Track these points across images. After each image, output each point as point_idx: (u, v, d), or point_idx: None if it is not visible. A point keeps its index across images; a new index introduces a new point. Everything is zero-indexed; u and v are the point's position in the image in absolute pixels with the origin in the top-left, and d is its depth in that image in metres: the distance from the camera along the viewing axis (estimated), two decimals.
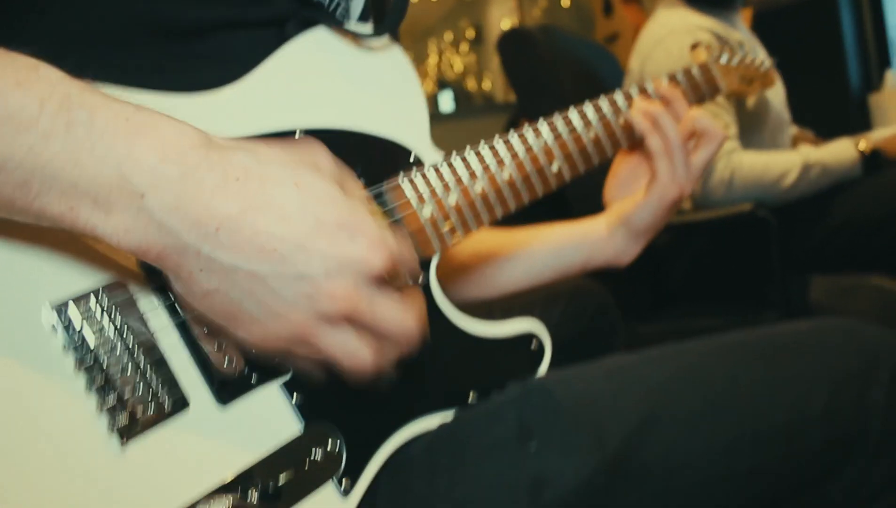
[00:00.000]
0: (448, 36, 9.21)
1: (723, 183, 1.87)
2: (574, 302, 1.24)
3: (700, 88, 1.07)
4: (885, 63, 2.68)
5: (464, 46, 9.04)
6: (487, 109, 7.46)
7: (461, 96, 8.50)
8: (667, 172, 0.94)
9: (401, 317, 0.57)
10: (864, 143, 1.93)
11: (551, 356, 0.81)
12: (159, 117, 0.51)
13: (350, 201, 0.55)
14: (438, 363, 0.74)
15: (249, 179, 0.52)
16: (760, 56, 1.26)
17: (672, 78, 1.03)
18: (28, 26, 0.64)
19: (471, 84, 8.94)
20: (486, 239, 1.09)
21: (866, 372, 0.66)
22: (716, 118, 1.90)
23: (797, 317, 1.81)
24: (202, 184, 0.50)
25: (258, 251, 0.51)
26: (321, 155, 0.59)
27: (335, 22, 0.76)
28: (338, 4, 0.80)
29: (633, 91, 0.97)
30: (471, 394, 0.75)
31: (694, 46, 1.15)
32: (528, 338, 0.80)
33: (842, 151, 1.92)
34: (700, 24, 2.03)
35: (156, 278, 0.59)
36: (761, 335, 0.73)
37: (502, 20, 7.68)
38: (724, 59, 1.14)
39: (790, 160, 1.89)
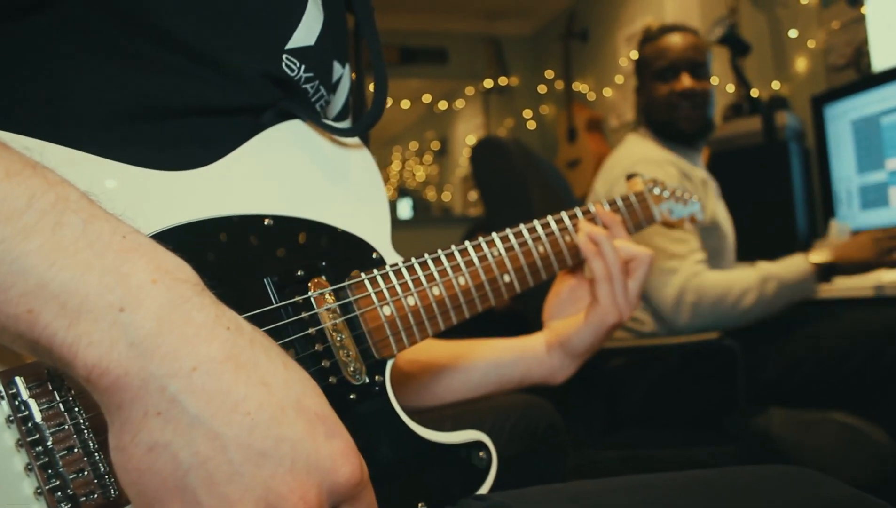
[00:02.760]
0: (413, 145, 9.46)
1: (690, 306, 1.90)
2: (525, 419, 1.22)
3: (637, 215, 1.13)
4: (829, 212, 2.80)
5: (427, 157, 9.27)
6: (444, 220, 7.58)
7: (420, 205, 8.64)
8: (607, 297, 1.00)
9: None
10: (815, 256, 2.00)
11: (499, 474, 0.80)
12: (158, 245, 0.47)
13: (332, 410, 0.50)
14: (389, 464, 0.72)
15: (240, 334, 0.47)
16: (688, 193, 1.32)
17: (612, 203, 1.08)
18: (33, 95, 0.64)
19: (430, 194, 9.11)
20: (427, 349, 1.09)
21: None
22: (684, 243, 1.95)
23: (756, 450, 1.81)
24: (190, 318, 0.45)
25: (230, 410, 0.44)
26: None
27: (312, 116, 0.77)
28: (321, 96, 0.81)
29: (578, 213, 1.03)
30: (419, 504, 0.72)
31: (630, 177, 1.21)
32: (476, 447, 0.79)
33: (795, 264, 1.97)
34: (668, 158, 2.13)
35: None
36: (725, 476, 0.72)
37: (468, 136, 7.92)
38: (656, 191, 1.20)
39: (748, 277, 1.92)
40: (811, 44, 3.59)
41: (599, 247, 0.99)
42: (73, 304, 0.43)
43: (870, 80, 2.69)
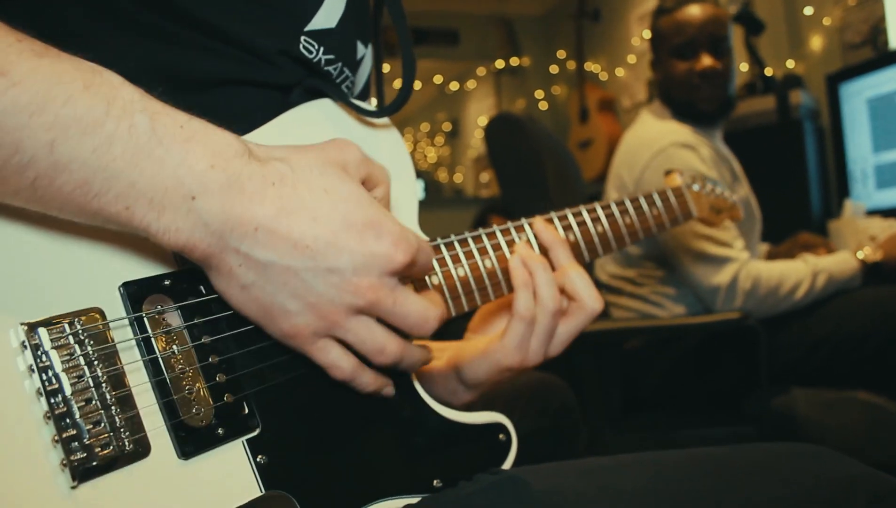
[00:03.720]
0: (424, 126, 9.43)
1: (745, 293, 1.88)
2: (538, 397, 1.22)
3: (674, 211, 1.09)
4: (844, 192, 2.78)
5: (439, 138, 9.24)
6: (456, 201, 7.58)
7: (431, 187, 8.63)
8: (517, 337, 0.80)
9: (420, 307, 0.62)
10: (863, 253, 1.99)
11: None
12: (208, 126, 0.57)
13: (374, 201, 0.61)
14: (408, 440, 0.72)
15: (284, 184, 0.57)
16: (728, 191, 1.30)
17: (648, 197, 1.04)
18: None
19: (442, 176, 9.10)
20: None
21: (841, 503, 0.65)
22: (727, 230, 1.93)
23: (777, 430, 1.80)
24: (243, 189, 0.55)
25: (292, 248, 0.56)
26: (349, 152, 0.64)
27: (342, 95, 0.77)
28: (345, 77, 0.81)
29: (512, 230, 0.86)
30: (435, 480, 0.72)
31: (668, 173, 1.18)
32: (496, 429, 0.79)
33: (844, 261, 1.96)
34: (700, 140, 2.06)
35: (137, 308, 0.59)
36: (737, 454, 0.72)
37: (480, 117, 7.89)
38: (696, 187, 1.17)
39: (801, 270, 1.91)
40: (827, 21, 3.56)
41: (533, 277, 0.81)
42: (158, 198, 0.53)
43: (886, 57, 2.66)
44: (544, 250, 0.86)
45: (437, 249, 0.79)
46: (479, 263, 0.82)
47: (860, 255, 1.97)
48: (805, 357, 1.93)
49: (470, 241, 0.82)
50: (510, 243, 0.84)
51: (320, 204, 0.58)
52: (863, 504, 0.64)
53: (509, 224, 0.86)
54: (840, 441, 1.76)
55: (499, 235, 0.84)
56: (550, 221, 0.89)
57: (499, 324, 0.92)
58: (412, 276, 0.67)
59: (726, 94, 2.12)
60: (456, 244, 0.81)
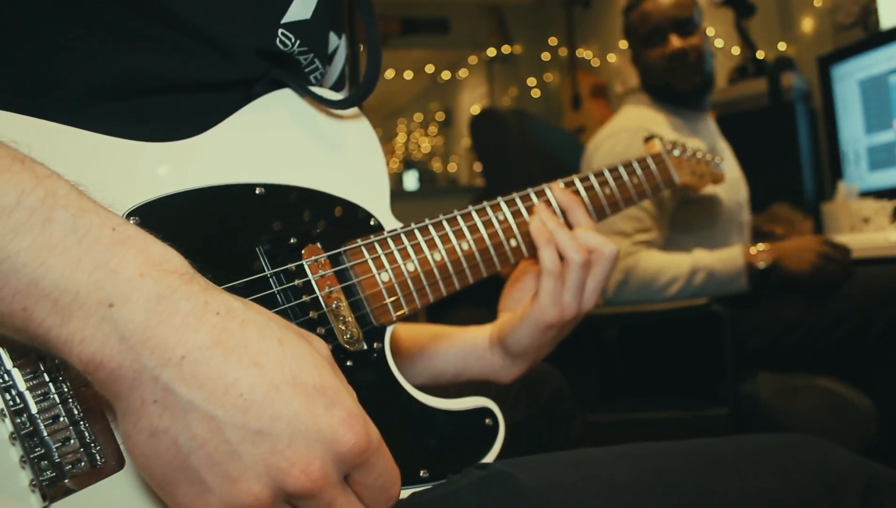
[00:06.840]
0: (418, 116, 9.41)
1: (616, 283, 1.92)
2: (529, 385, 1.21)
3: (655, 179, 1.09)
4: (837, 174, 2.77)
5: (432, 128, 9.23)
6: (451, 190, 7.56)
7: (426, 177, 8.62)
8: (549, 293, 0.87)
9: None
10: (755, 250, 1.94)
11: (505, 441, 0.78)
12: (147, 236, 0.48)
13: (337, 376, 0.50)
14: (389, 431, 0.71)
15: (231, 317, 0.47)
16: (710, 154, 1.30)
17: (628, 166, 1.04)
18: (19, 68, 0.62)
19: (436, 165, 9.08)
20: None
21: (835, 494, 0.64)
22: (634, 222, 1.95)
23: (745, 414, 1.81)
24: (177, 308, 0.45)
25: (222, 392, 0.45)
26: (318, 341, 0.53)
27: (301, 85, 0.75)
28: (314, 68, 0.79)
29: (533, 195, 0.92)
30: (422, 471, 0.71)
31: (648, 139, 1.18)
32: (482, 413, 0.77)
33: (731, 257, 1.93)
34: (656, 121, 2.11)
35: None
36: (730, 445, 0.71)
37: (472, 106, 7.87)
38: (676, 153, 1.17)
39: (682, 265, 1.92)
40: (817, 3, 3.54)
41: (554, 235, 0.87)
42: (65, 302, 0.44)
43: (878, 38, 2.65)
44: (564, 212, 0.92)
45: (453, 220, 0.83)
46: (496, 226, 0.87)
47: (752, 252, 1.93)
48: (776, 342, 1.94)
49: (502, 204, 0.88)
50: (529, 209, 0.90)
51: (268, 351, 0.47)
52: (856, 495, 0.64)
53: (529, 190, 0.91)
54: (801, 427, 1.79)
55: (518, 201, 0.90)
56: (571, 183, 0.94)
57: (528, 295, 0.95)
58: (360, 488, 0.50)
59: (703, 72, 2.17)
60: (519, 200, 0.89)
